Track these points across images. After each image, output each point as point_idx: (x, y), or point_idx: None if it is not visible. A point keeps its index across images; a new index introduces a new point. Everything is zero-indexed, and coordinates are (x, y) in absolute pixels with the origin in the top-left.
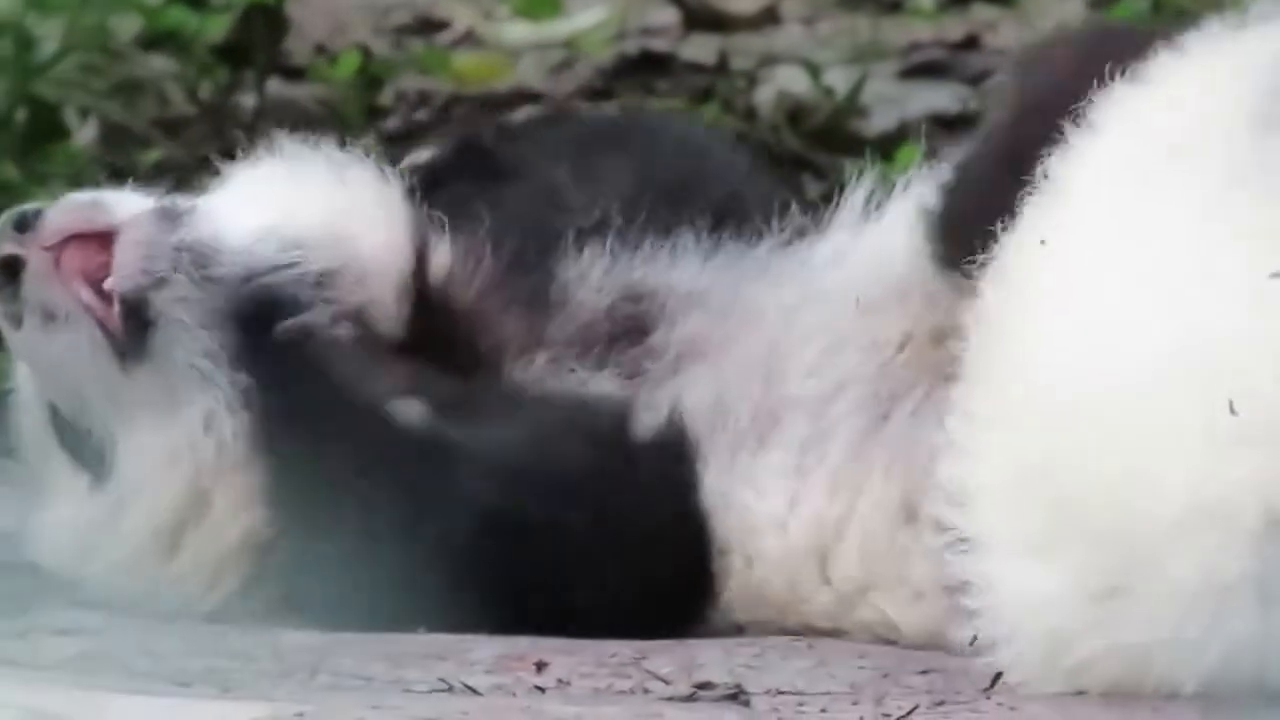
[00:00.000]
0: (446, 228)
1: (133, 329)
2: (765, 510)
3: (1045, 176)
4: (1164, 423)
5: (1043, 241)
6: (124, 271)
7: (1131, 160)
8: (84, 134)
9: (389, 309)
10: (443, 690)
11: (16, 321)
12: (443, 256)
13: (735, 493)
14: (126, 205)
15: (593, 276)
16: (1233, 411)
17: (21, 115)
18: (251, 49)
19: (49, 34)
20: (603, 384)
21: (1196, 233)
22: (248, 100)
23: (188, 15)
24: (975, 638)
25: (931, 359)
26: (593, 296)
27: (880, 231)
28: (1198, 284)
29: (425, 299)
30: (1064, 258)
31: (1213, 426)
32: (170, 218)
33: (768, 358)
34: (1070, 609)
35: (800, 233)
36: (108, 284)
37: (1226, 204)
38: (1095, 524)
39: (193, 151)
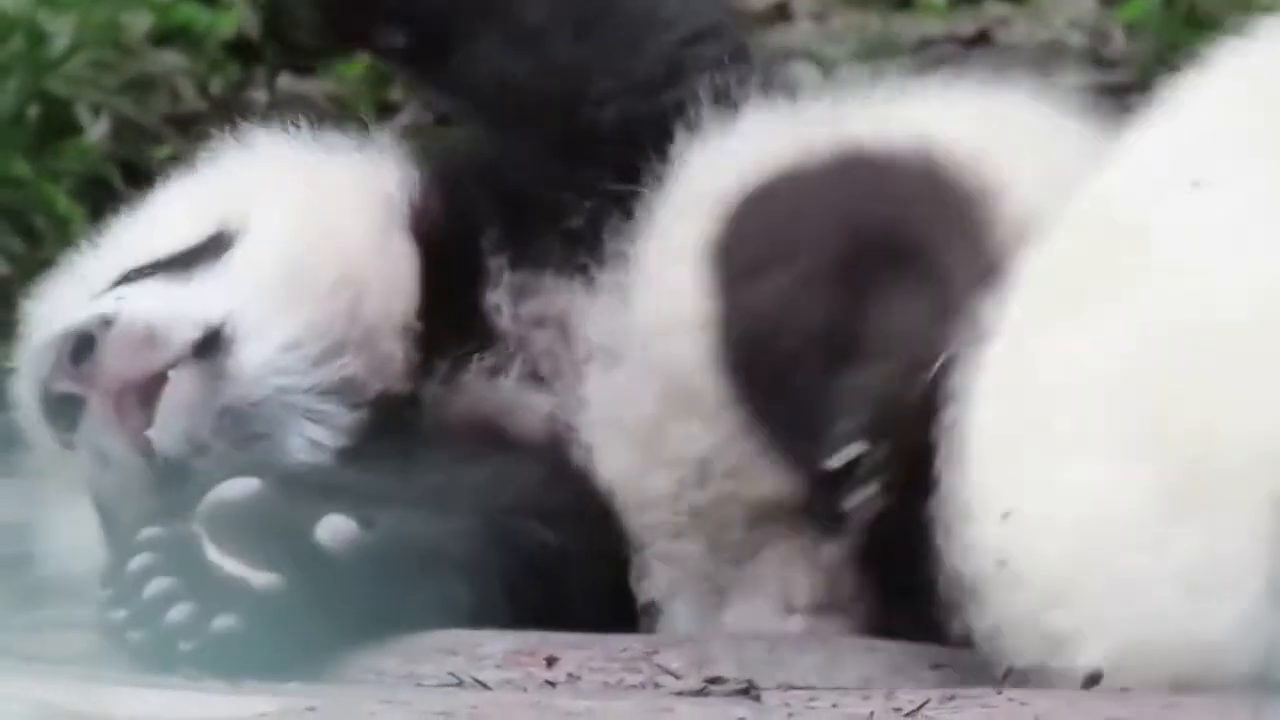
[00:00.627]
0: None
1: (174, 478)
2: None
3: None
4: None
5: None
6: (166, 432)
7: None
8: (96, 130)
9: (395, 361)
10: (453, 685)
11: (67, 445)
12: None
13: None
14: (176, 339)
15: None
16: None
17: (33, 111)
18: (263, 44)
19: (60, 30)
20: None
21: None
22: (259, 96)
23: (199, 11)
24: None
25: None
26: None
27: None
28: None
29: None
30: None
31: None
32: (211, 363)
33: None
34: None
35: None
36: (151, 437)
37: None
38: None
39: (205, 147)
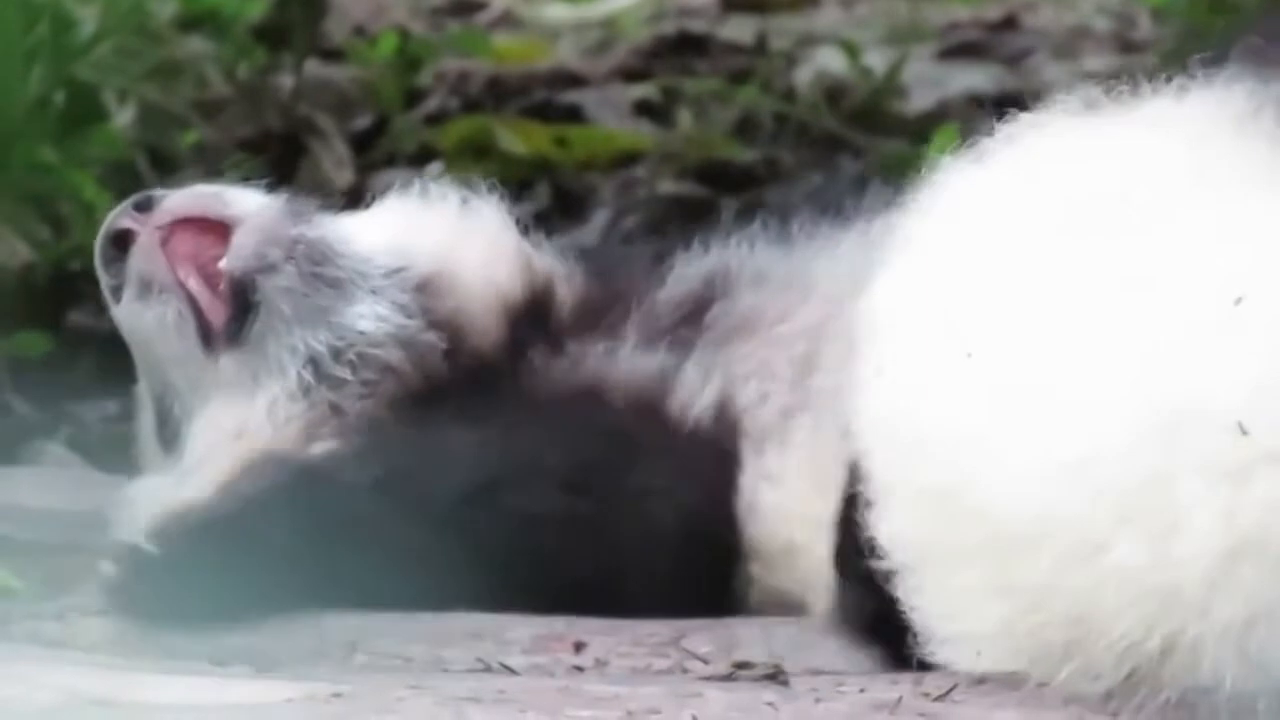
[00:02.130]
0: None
1: (234, 311)
2: (786, 507)
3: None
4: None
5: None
6: (240, 253)
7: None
8: (122, 116)
9: (478, 320)
10: (480, 670)
11: (117, 294)
12: (567, 293)
13: (761, 489)
14: (248, 200)
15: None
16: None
17: (60, 98)
18: (290, 30)
19: (87, 17)
20: (653, 360)
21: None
22: (286, 81)
23: None
24: None
25: None
26: (673, 286)
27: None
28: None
29: (535, 327)
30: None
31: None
32: (295, 214)
33: (806, 345)
34: None
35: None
36: (222, 263)
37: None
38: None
39: (231, 133)
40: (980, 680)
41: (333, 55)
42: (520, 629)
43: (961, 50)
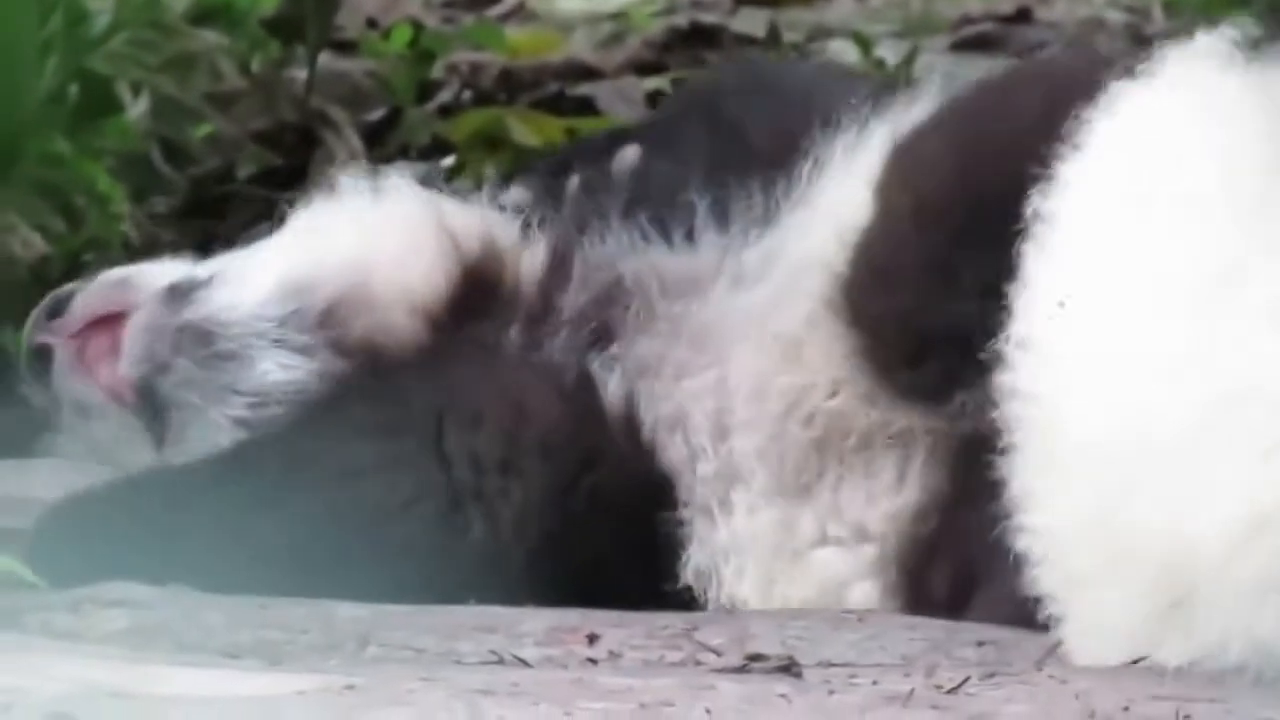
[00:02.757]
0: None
1: (148, 411)
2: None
3: (1037, 217)
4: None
5: (1061, 303)
6: (131, 359)
7: (1131, 195)
8: (136, 108)
9: (396, 330)
10: (493, 662)
11: (56, 414)
12: (530, 259)
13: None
14: (149, 282)
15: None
16: None
17: (74, 90)
18: (303, 23)
19: (101, 9)
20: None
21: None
22: (299, 74)
23: None
24: None
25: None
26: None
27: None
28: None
29: (473, 312)
30: (1087, 314)
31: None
32: (179, 296)
33: (719, 394)
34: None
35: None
36: (119, 370)
37: (1245, 234)
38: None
39: (244, 125)
40: (991, 674)
41: (346, 48)
42: (533, 621)
43: (975, 43)
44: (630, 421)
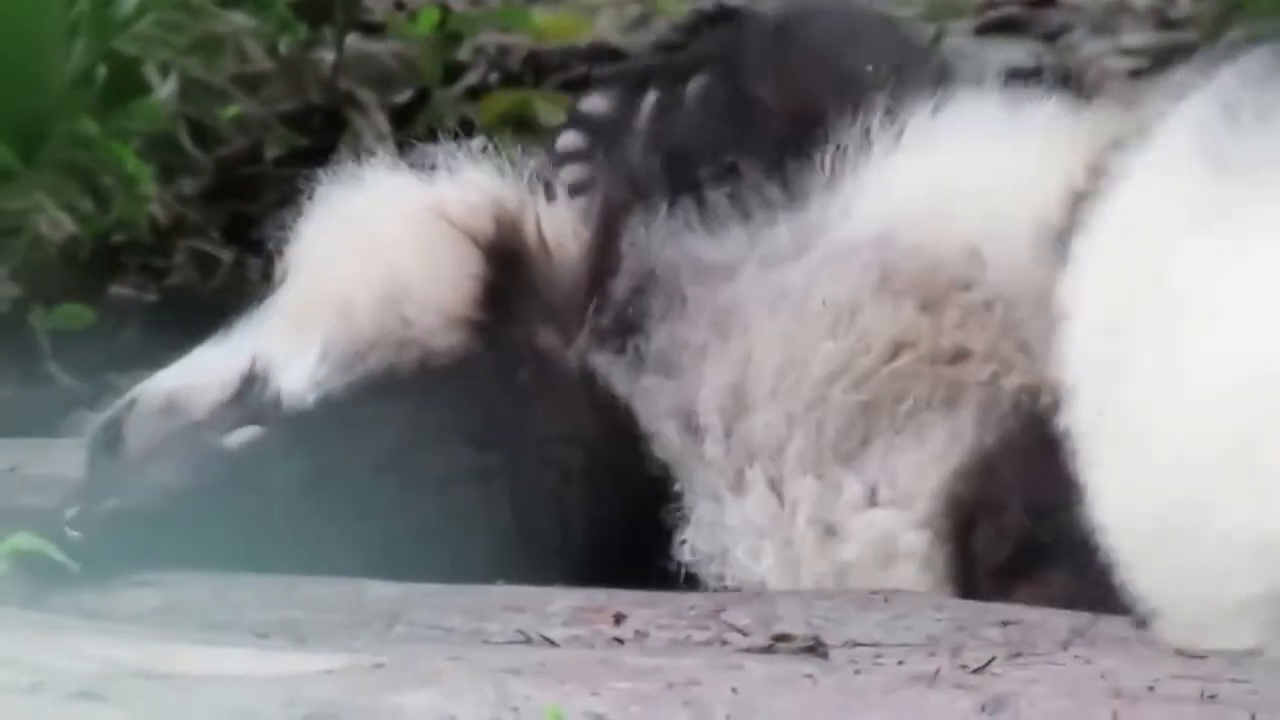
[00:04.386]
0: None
1: None
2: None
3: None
4: None
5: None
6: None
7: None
8: (164, 90)
9: (443, 345)
10: (521, 642)
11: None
12: (553, 220)
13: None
14: (200, 401)
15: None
16: None
17: (102, 72)
18: (331, 5)
19: None
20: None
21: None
22: (326, 56)
23: None
24: None
25: (937, 372)
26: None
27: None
28: None
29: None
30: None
31: None
32: (239, 398)
33: (741, 372)
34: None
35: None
36: None
37: None
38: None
39: (272, 107)
40: (1017, 653)
41: (373, 30)
42: (560, 601)
43: (999, 26)
44: (629, 410)
